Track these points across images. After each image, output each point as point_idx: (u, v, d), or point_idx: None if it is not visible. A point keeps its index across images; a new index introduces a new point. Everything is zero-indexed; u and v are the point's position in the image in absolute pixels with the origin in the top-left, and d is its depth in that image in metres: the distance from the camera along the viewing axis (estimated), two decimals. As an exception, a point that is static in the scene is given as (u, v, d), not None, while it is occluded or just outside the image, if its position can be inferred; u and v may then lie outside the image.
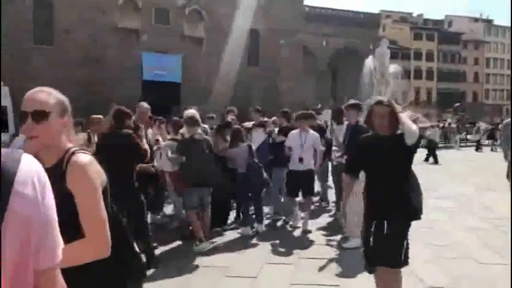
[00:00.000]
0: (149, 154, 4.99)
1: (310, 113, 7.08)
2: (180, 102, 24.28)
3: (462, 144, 25.77)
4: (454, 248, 5.51)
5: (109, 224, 1.61)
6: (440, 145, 22.59)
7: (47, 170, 1.64)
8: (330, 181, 8.57)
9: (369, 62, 32.14)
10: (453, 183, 11.31)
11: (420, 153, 16.44)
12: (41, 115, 1.56)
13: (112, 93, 22.05)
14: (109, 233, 1.59)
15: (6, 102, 12.42)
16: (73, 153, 1.62)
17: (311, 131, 6.42)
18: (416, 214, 3.14)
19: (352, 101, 5.97)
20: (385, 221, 3.03)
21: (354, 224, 4.90)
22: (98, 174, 1.62)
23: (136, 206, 4.62)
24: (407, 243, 3.11)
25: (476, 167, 15.39)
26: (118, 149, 4.48)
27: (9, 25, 23.37)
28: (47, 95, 1.61)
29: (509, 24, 56.40)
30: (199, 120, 5.79)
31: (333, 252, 5.30)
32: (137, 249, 1.83)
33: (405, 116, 3.07)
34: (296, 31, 33.32)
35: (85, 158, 1.61)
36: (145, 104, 6.38)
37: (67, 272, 1.37)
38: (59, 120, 1.63)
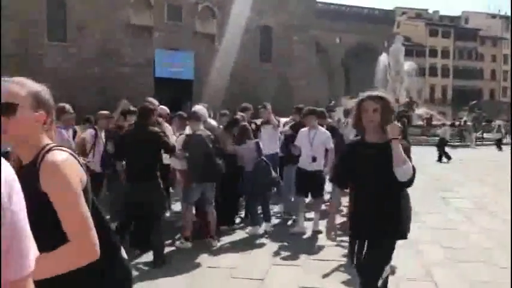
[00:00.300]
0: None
1: (319, 109, 6.88)
2: (192, 99, 24.25)
3: (478, 142, 25.28)
4: (471, 250, 5.30)
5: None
6: (455, 144, 22.19)
7: (23, 167, 1.51)
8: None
9: (383, 59, 31.80)
10: (470, 182, 11.01)
11: (432, 153, 16.09)
12: (8, 108, 1.42)
13: (125, 90, 22.08)
14: (95, 232, 1.44)
15: None
16: (48, 150, 1.48)
17: (321, 129, 6.19)
18: (403, 233, 2.81)
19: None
20: (366, 241, 2.74)
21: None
22: (75, 172, 1.47)
23: (159, 206, 4.66)
24: (389, 268, 2.79)
25: (494, 166, 15.01)
26: (145, 147, 4.56)
27: (18, 22, 23.58)
28: (17, 86, 1.47)
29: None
30: (203, 115, 5.68)
31: (343, 254, 5.11)
32: (124, 255, 1.68)
33: (400, 149, 2.60)
34: (309, 27, 33.05)
35: (60, 155, 1.46)
36: (154, 100, 6.35)
37: (44, 284, 1.24)
38: (31, 114, 1.48)
